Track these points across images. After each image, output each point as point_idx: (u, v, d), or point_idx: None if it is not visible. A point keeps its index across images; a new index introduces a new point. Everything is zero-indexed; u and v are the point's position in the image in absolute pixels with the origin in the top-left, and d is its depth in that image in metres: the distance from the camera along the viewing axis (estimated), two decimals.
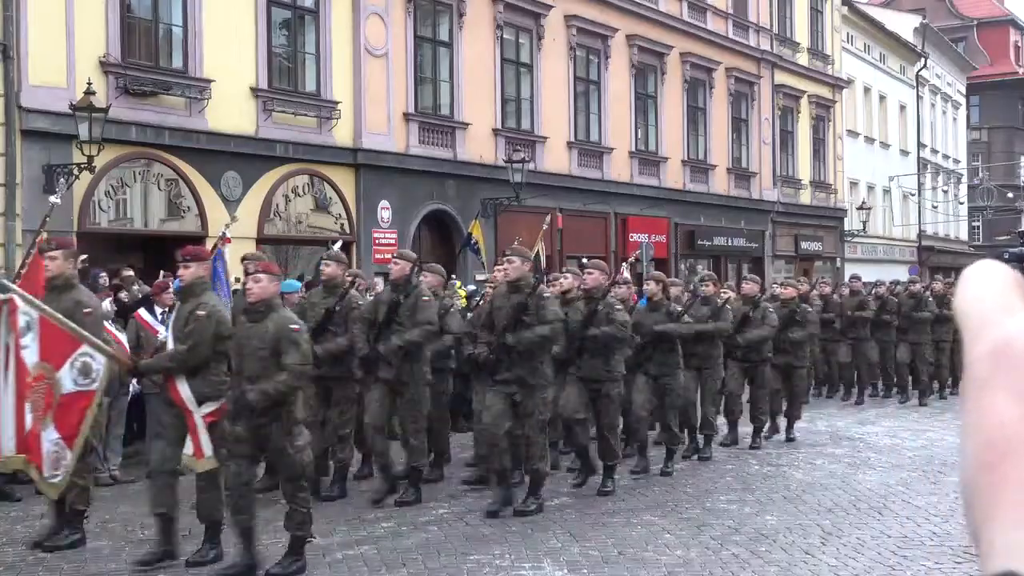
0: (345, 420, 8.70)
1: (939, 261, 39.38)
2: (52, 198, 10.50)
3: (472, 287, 15.13)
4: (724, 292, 11.43)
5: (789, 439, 11.91)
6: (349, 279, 9.03)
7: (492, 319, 8.12)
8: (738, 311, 11.27)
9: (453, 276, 14.04)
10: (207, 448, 6.58)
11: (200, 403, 6.60)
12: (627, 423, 9.97)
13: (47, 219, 10.12)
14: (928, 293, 16.38)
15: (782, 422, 12.14)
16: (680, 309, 10.23)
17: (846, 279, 22.93)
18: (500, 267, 9.28)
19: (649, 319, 9.80)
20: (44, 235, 9.41)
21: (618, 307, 8.82)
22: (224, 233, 10.63)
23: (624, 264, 15.71)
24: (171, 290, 9.61)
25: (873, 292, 17.00)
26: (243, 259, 8.70)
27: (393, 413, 8.78)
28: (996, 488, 0.48)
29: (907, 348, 15.88)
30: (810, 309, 12.96)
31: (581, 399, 8.73)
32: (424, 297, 8.41)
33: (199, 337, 6.61)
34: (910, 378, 16.13)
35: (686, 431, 10.57)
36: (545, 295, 8.13)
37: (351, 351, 8.53)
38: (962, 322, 0.53)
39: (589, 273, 8.94)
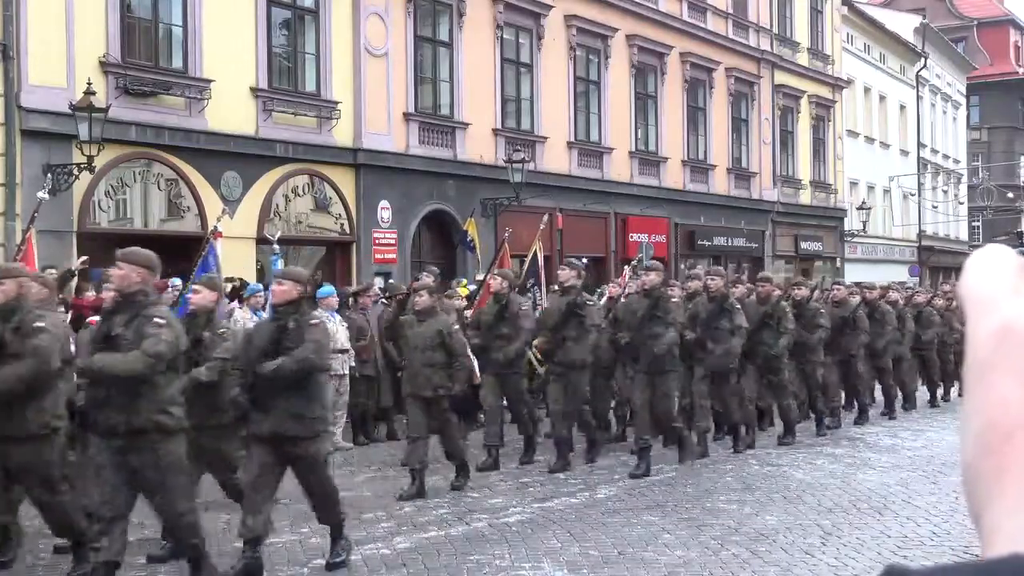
0: None
1: (939, 261, 39.38)
2: (40, 193, 10.40)
3: (472, 286, 15.10)
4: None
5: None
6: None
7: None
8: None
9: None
10: None
11: None
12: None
13: (35, 215, 10.07)
14: (738, 293, 11.59)
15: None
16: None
17: (846, 280, 22.93)
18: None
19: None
20: (32, 231, 9.37)
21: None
22: (216, 227, 10.59)
23: (626, 267, 15.73)
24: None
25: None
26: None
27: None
28: (999, 471, 0.47)
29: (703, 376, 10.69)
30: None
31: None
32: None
33: None
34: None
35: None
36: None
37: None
38: (965, 303, 0.52)
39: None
